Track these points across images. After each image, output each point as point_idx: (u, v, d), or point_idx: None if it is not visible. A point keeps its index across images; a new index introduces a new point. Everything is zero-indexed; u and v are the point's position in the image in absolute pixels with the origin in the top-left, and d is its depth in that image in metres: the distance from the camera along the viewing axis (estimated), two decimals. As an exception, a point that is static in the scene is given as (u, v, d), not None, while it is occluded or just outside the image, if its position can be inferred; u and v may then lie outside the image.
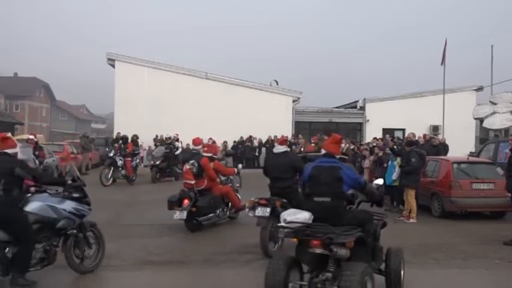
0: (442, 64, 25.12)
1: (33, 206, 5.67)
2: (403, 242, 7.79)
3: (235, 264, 7.07)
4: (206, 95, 27.55)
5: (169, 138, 21.48)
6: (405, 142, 13.13)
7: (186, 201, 9.15)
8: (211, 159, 9.82)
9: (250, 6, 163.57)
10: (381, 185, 6.56)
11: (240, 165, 12.06)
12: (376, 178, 7.69)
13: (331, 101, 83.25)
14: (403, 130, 26.75)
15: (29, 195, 5.88)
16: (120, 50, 56.58)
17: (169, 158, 19.77)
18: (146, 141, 24.89)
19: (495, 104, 19.95)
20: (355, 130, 30.01)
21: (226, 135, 25.85)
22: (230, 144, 26.43)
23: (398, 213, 11.38)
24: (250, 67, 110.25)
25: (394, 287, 5.32)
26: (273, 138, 26.82)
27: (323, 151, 5.57)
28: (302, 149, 19.18)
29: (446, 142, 16.85)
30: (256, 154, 26.58)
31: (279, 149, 8.20)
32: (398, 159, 11.44)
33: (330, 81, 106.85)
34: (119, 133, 24.20)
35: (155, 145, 23.50)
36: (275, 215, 7.24)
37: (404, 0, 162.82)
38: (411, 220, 10.68)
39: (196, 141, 10.53)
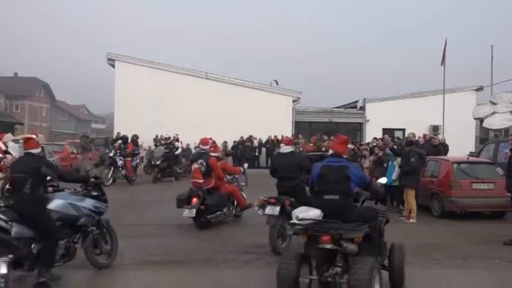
0: (442, 64, 25.15)
1: (56, 204, 5.89)
2: (403, 242, 7.76)
3: (235, 264, 7.07)
4: (206, 95, 27.56)
5: (169, 138, 21.47)
6: (405, 142, 13.14)
7: (194, 200, 9.38)
8: (218, 159, 10.13)
9: (250, 6, 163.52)
10: (384, 184, 6.80)
11: (245, 165, 12.29)
12: (377, 178, 7.74)
13: (331, 101, 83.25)
14: (403, 130, 26.76)
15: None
16: (120, 50, 56.58)
17: (169, 158, 19.77)
18: (146, 141, 24.89)
19: (495, 104, 19.95)
20: (355, 130, 30.01)
21: (226, 135, 25.84)
22: (230, 144, 26.42)
23: (398, 213, 11.38)
24: (250, 67, 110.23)
25: (398, 281, 5.57)
26: (273, 138, 26.87)
27: (330, 151, 5.86)
28: (301, 149, 19.19)
29: (446, 142, 16.86)
30: (256, 154, 26.59)
31: (285, 149, 8.42)
32: (399, 159, 11.44)
33: (330, 81, 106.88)
34: (118, 133, 24.21)
35: (155, 145, 23.50)
36: (284, 213, 7.45)
37: (404, 0, 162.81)
38: (411, 220, 10.68)
39: (205, 141, 10.74)
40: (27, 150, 6.12)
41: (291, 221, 5.26)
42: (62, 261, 5.85)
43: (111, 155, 17.73)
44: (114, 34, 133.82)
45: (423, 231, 9.74)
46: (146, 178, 19.28)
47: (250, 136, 26.96)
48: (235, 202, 10.39)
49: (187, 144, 24.49)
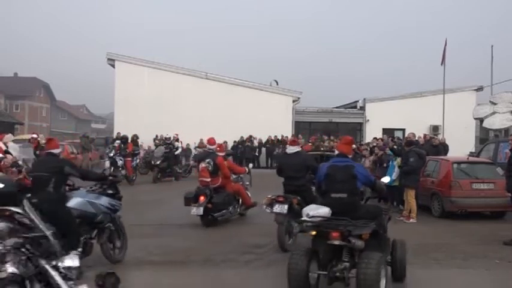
0: (442, 64, 25.15)
1: (75, 202, 6.16)
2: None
3: (235, 264, 7.07)
4: (206, 95, 27.56)
5: (169, 138, 21.47)
6: (404, 142, 13.14)
7: (202, 198, 9.60)
8: (224, 158, 10.35)
9: (250, 6, 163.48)
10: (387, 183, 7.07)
11: (250, 165, 12.60)
12: (377, 178, 7.76)
13: (331, 101, 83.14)
14: (403, 130, 26.75)
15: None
16: (120, 50, 56.53)
17: (169, 158, 19.77)
18: (146, 141, 24.89)
19: (495, 104, 19.95)
20: (355, 130, 30.00)
21: (226, 135, 25.81)
22: (230, 144, 26.43)
23: (398, 213, 11.38)
24: (250, 67, 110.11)
25: (400, 275, 5.89)
26: (273, 138, 26.87)
27: (336, 152, 6.23)
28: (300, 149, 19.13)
29: (446, 142, 16.86)
30: (256, 154, 26.58)
31: (291, 149, 8.59)
32: (399, 159, 11.44)
33: (330, 81, 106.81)
34: (118, 133, 24.21)
35: (155, 145, 23.50)
36: (291, 211, 7.72)
37: (404, 0, 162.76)
38: (411, 220, 10.68)
39: (211, 141, 10.88)
40: (49, 150, 6.45)
41: (302, 218, 5.46)
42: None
43: (111, 155, 17.73)
44: (114, 34, 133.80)
45: (423, 231, 9.74)
46: (146, 178, 19.28)
47: (250, 136, 26.96)
48: (240, 201, 10.57)
49: (187, 144, 24.49)
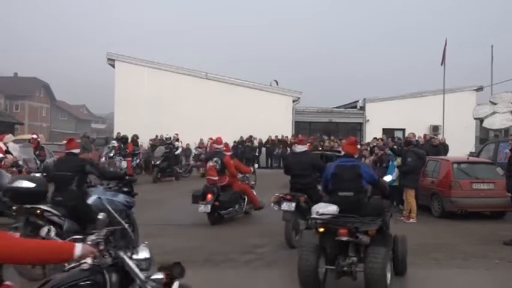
0: (442, 64, 25.14)
1: (94, 199, 6.40)
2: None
3: (235, 264, 7.08)
4: (206, 95, 27.56)
5: (170, 138, 21.47)
6: (403, 142, 13.15)
7: (209, 196, 9.81)
8: (231, 157, 10.61)
9: (250, 6, 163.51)
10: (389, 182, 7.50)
11: (256, 165, 12.94)
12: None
13: (331, 101, 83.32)
14: (403, 130, 26.75)
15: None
16: (120, 50, 56.60)
17: (170, 158, 19.77)
18: (146, 141, 24.92)
19: (495, 104, 19.96)
20: (355, 130, 29.99)
21: (226, 135, 25.68)
22: (230, 145, 26.40)
23: (399, 213, 11.38)
24: (250, 67, 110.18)
25: (401, 269, 6.17)
26: (273, 138, 26.86)
27: (342, 152, 6.58)
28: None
29: (446, 142, 16.85)
30: (256, 154, 26.59)
31: (299, 148, 8.89)
32: (399, 159, 11.45)
33: (330, 81, 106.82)
34: (118, 133, 24.21)
35: (150, 145, 23.43)
36: (299, 209, 7.99)
37: (404, 0, 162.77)
38: (411, 220, 10.68)
39: (219, 141, 11.08)
40: (69, 150, 6.77)
41: (312, 216, 5.71)
42: None
43: (111, 155, 17.73)
44: (114, 34, 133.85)
45: (423, 231, 9.73)
46: (146, 178, 19.27)
47: (250, 136, 26.96)
48: (246, 199, 10.73)
49: (187, 144, 24.49)
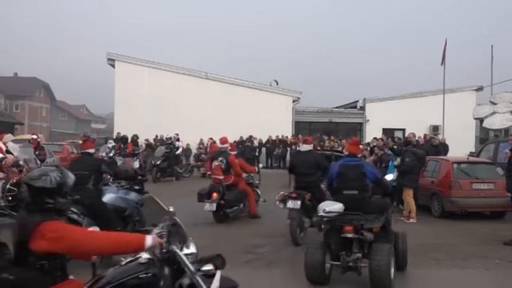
0: (442, 64, 25.14)
1: (109, 197, 6.70)
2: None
3: (235, 264, 7.06)
4: (206, 95, 27.56)
5: (170, 138, 21.48)
6: (403, 142, 13.16)
7: (215, 195, 9.97)
8: (236, 157, 10.76)
9: (250, 6, 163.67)
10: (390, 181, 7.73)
11: (260, 165, 13.18)
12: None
13: (331, 101, 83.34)
14: (403, 130, 26.76)
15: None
16: (120, 50, 56.63)
17: (170, 158, 19.77)
18: (150, 141, 24.91)
19: (495, 104, 19.95)
20: (355, 130, 29.99)
21: (226, 135, 25.81)
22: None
23: (399, 213, 11.38)
24: (250, 67, 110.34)
25: (402, 264, 6.38)
26: (274, 138, 26.85)
27: (346, 152, 6.88)
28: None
29: (446, 142, 16.85)
30: (256, 154, 26.58)
31: (304, 147, 9.13)
32: (398, 159, 11.45)
33: (330, 81, 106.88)
34: (118, 133, 24.21)
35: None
36: (304, 207, 8.19)
37: (404, 0, 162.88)
38: (411, 220, 10.68)
39: (223, 140, 11.23)
40: (85, 150, 7.07)
41: (319, 214, 5.93)
42: None
43: (111, 155, 17.71)
44: (114, 34, 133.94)
45: (423, 231, 9.73)
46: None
47: (250, 136, 26.95)
48: (247, 204, 10.82)
49: (187, 144, 24.48)
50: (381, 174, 11.87)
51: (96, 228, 3.59)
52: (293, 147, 24.25)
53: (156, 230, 3.30)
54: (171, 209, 3.61)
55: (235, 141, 26.76)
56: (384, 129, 26.94)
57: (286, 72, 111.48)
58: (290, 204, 8.22)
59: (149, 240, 3.08)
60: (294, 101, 29.12)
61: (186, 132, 23.87)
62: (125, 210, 6.92)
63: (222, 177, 10.29)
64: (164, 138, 22.18)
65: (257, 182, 11.67)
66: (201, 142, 25.21)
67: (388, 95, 30.93)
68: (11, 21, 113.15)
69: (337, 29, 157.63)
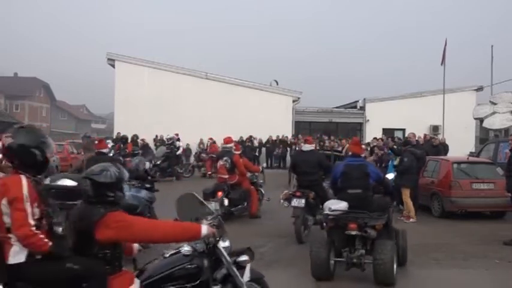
0: (442, 64, 25.12)
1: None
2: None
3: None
4: (206, 95, 27.54)
5: (171, 139, 21.47)
6: (402, 142, 13.16)
7: (219, 193, 10.16)
8: (240, 156, 10.90)
9: (250, 6, 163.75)
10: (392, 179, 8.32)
11: (264, 164, 13.50)
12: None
13: (331, 101, 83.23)
14: (403, 130, 26.74)
15: None
16: (120, 50, 56.64)
17: (171, 158, 19.76)
18: (146, 141, 24.90)
19: (495, 104, 19.95)
20: (355, 130, 29.99)
21: (226, 135, 25.79)
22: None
23: (399, 213, 11.37)
24: (250, 67, 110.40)
25: (403, 259, 6.57)
26: (274, 138, 26.84)
27: (349, 152, 7.24)
28: (296, 148, 19.34)
29: (446, 142, 16.85)
30: (256, 154, 26.57)
31: (306, 147, 9.26)
32: (398, 159, 11.44)
33: (330, 81, 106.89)
34: (118, 133, 24.20)
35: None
36: (307, 206, 8.39)
37: (404, 0, 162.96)
38: (411, 220, 10.68)
39: (228, 140, 11.40)
40: (99, 150, 7.45)
41: (325, 212, 6.14)
42: None
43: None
44: (114, 34, 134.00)
45: (423, 231, 9.74)
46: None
47: (250, 136, 26.93)
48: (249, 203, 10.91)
49: (187, 144, 24.48)
50: (382, 174, 12.00)
51: None
52: (293, 147, 24.26)
53: (205, 222, 3.51)
54: (212, 205, 3.90)
55: (235, 141, 26.77)
56: (383, 129, 26.93)
57: (286, 72, 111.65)
58: (295, 202, 8.38)
59: (204, 229, 3.31)
60: (294, 101, 29.11)
61: (186, 132, 23.85)
62: (137, 208, 7.08)
63: (226, 176, 10.45)
64: (164, 139, 22.18)
65: (261, 181, 11.83)
66: (201, 142, 25.20)
67: (388, 95, 30.92)
68: (11, 21, 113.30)
69: (337, 29, 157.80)
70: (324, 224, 6.28)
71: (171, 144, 20.75)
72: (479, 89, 29.51)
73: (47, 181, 7.89)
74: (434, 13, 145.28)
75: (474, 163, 12.36)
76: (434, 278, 6.58)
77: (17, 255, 3.08)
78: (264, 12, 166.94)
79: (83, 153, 23.35)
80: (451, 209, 11.16)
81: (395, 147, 12.80)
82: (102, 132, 59.46)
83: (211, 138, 23.89)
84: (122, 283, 3.19)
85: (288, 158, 23.96)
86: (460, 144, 21.56)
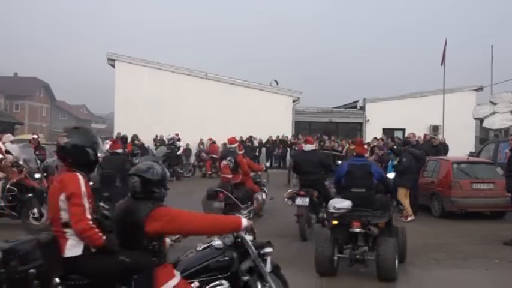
0: (442, 64, 25.12)
1: None
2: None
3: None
4: (206, 95, 27.53)
5: (172, 139, 21.45)
6: (401, 142, 13.16)
7: (223, 193, 10.07)
8: (244, 156, 11.02)
9: (250, 6, 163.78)
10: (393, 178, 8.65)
11: (267, 163, 13.15)
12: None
13: (331, 101, 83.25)
14: (403, 130, 26.72)
15: None
16: (120, 50, 56.62)
17: (171, 158, 19.77)
18: (146, 141, 24.90)
19: (495, 104, 19.95)
20: (355, 130, 29.99)
21: (226, 135, 25.75)
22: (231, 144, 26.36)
23: (399, 213, 11.37)
24: (250, 67, 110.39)
25: (402, 256, 6.69)
26: (274, 138, 26.83)
27: (353, 153, 7.46)
28: (296, 148, 19.37)
29: (446, 142, 16.83)
30: (257, 154, 26.55)
31: (308, 147, 9.46)
32: (397, 159, 11.45)
33: (330, 81, 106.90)
34: (118, 133, 24.18)
35: (155, 145, 23.44)
36: (311, 204, 8.59)
37: (404, 0, 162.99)
38: (409, 219, 10.66)
39: (232, 141, 11.44)
40: (114, 150, 7.69)
41: (330, 210, 6.35)
42: None
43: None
44: (114, 34, 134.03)
45: (423, 231, 9.74)
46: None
47: (250, 136, 26.91)
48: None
49: (187, 144, 24.48)
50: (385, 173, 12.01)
51: None
52: (293, 147, 24.26)
53: (243, 214, 3.88)
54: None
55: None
56: (384, 129, 26.93)
57: (286, 72, 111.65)
58: (299, 201, 8.55)
59: (245, 221, 3.54)
60: (294, 101, 29.10)
61: (186, 132, 23.85)
62: None
63: (230, 176, 10.54)
64: (165, 139, 22.18)
65: (264, 180, 11.96)
66: (201, 142, 25.20)
67: (388, 95, 30.91)
68: (11, 21, 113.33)
69: (337, 29, 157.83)
70: (326, 222, 6.57)
71: (171, 144, 20.75)
72: (479, 89, 29.50)
73: None
74: (434, 13, 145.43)
75: (474, 163, 12.36)
76: (434, 278, 6.58)
77: (73, 248, 3.20)
78: (264, 12, 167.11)
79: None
80: (451, 209, 11.16)
81: (395, 147, 12.81)
82: (102, 132, 59.45)
83: (210, 139, 23.90)
84: (166, 274, 3.36)
85: (288, 158, 23.95)
86: (460, 144, 21.54)
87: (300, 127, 28.93)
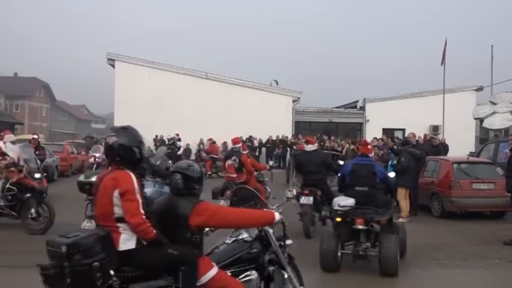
0: (442, 64, 25.11)
1: (147, 190, 6.97)
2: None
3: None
4: (206, 95, 27.54)
5: (172, 139, 21.45)
6: (401, 142, 13.15)
7: (228, 192, 10.29)
8: (247, 156, 11.12)
9: (250, 6, 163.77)
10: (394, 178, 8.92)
11: (271, 162, 13.89)
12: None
13: (331, 101, 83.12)
14: (403, 130, 26.74)
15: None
16: (120, 50, 56.66)
17: (171, 158, 19.74)
18: (146, 141, 24.90)
19: (495, 104, 19.94)
20: (355, 130, 30.00)
21: (226, 135, 25.81)
22: (230, 145, 26.36)
23: (398, 213, 11.35)
24: (250, 67, 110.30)
25: (402, 251, 6.85)
26: (274, 138, 26.83)
27: (359, 153, 7.81)
28: (295, 148, 19.41)
29: (446, 142, 16.82)
30: (257, 154, 26.56)
31: (310, 147, 9.63)
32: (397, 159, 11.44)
33: (330, 81, 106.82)
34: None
35: (155, 145, 23.45)
36: (315, 203, 8.80)
37: (404, 0, 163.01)
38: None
39: (235, 141, 11.55)
40: None
41: (334, 207, 6.56)
42: None
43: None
44: (114, 34, 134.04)
45: (423, 231, 9.73)
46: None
47: (250, 136, 26.93)
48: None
49: (187, 144, 24.48)
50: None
51: None
52: (293, 147, 24.26)
53: (275, 209, 4.16)
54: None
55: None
56: (384, 129, 26.94)
57: (286, 72, 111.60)
58: (303, 200, 8.75)
59: (277, 216, 3.74)
60: (294, 101, 29.11)
61: (186, 132, 23.87)
62: None
63: (235, 175, 10.66)
64: (165, 138, 22.17)
65: (267, 179, 12.07)
66: (201, 142, 25.20)
67: (388, 95, 30.93)
68: (11, 21, 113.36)
69: (337, 29, 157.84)
70: (330, 219, 6.78)
71: (172, 144, 20.74)
72: (479, 89, 29.51)
73: (82, 178, 8.38)
74: (434, 13, 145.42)
75: (474, 163, 12.36)
76: (434, 278, 6.58)
77: (127, 242, 3.37)
78: (264, 12, 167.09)
79: (83, 153, 23.45)
80: (451, 209, 11.16)
81: (395, 147, 12.80)
82: (102, 132, 59.43)
83: (210, 139, 23.91)
84: (206, 265, 3.54)
85: (288, 157, 23.95)
86: (460, 144, 21.54)
87: (300, 127, 28.94)
